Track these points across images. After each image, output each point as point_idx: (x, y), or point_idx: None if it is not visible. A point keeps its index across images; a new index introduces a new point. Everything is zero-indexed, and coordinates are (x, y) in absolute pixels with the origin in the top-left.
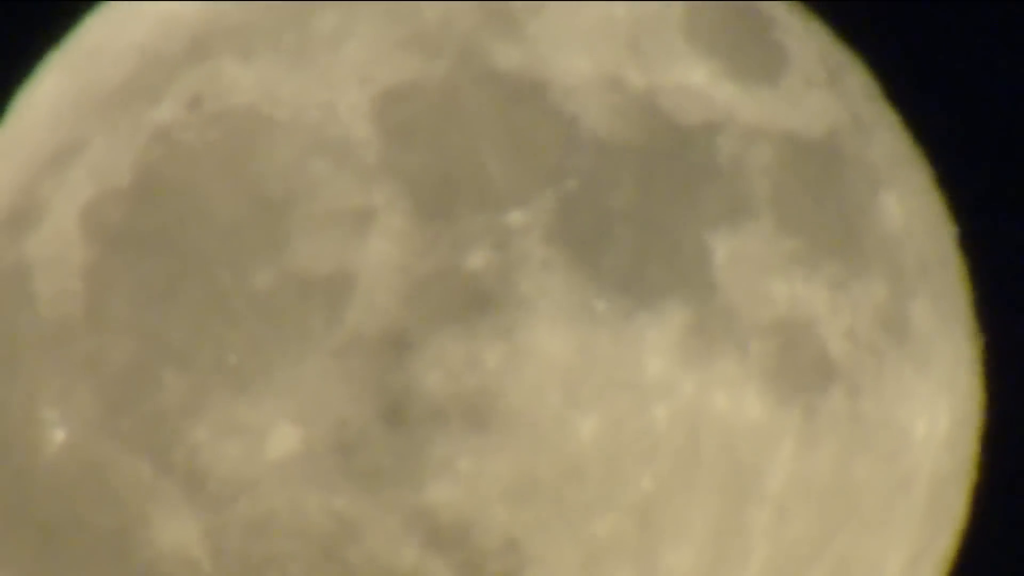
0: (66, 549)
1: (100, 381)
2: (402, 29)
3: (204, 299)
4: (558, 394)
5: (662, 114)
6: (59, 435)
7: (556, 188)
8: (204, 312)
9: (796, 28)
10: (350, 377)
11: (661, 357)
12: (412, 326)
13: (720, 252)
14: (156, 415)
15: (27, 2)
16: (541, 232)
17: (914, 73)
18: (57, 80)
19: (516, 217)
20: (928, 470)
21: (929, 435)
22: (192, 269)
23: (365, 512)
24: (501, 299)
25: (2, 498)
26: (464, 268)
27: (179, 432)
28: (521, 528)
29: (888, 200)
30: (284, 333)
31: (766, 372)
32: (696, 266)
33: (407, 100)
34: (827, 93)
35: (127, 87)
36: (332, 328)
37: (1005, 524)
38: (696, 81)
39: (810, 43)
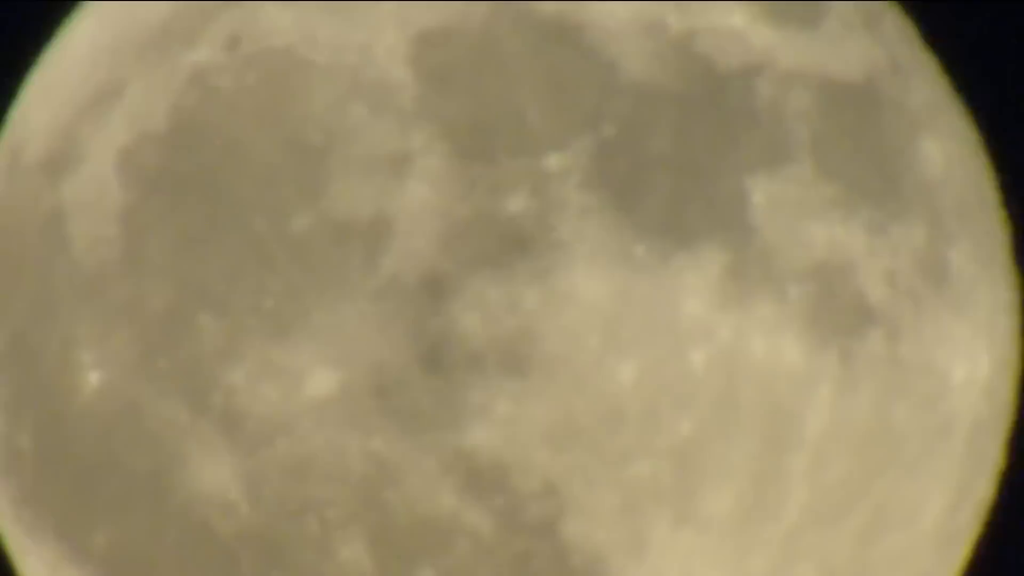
0: (103, 490)
1: (136, 325)
2: None
3: (241, 244)
4: (596, 338)
5: (700, 59)
6: (95, 378)
7: (594, 133)
8: (241, 256)
9: None
10: (387, 321)
11: (699, 301)
12: (450, 270)
13: (758, 196)
14: (193, 358)
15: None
16: (579, 176)
17: (951, 17)
18: (94, 23)
19: (554, 161)
20: (967, 414)
21: (967, 379)
22: (229, 213)
23: (403, 455)
24: (539, 243)
25: (40, 440)
26: (502, 212)
27: (216, 375)
28: (560, 472)
29: (927, 145)
30: (321, 277)
31: (804, 316)
32: (734, 210)
33: (444, 44)
34: (865, 38)
35: (164, 29)
36: (369, 272)
37: None
38: (735, 25)
39: None
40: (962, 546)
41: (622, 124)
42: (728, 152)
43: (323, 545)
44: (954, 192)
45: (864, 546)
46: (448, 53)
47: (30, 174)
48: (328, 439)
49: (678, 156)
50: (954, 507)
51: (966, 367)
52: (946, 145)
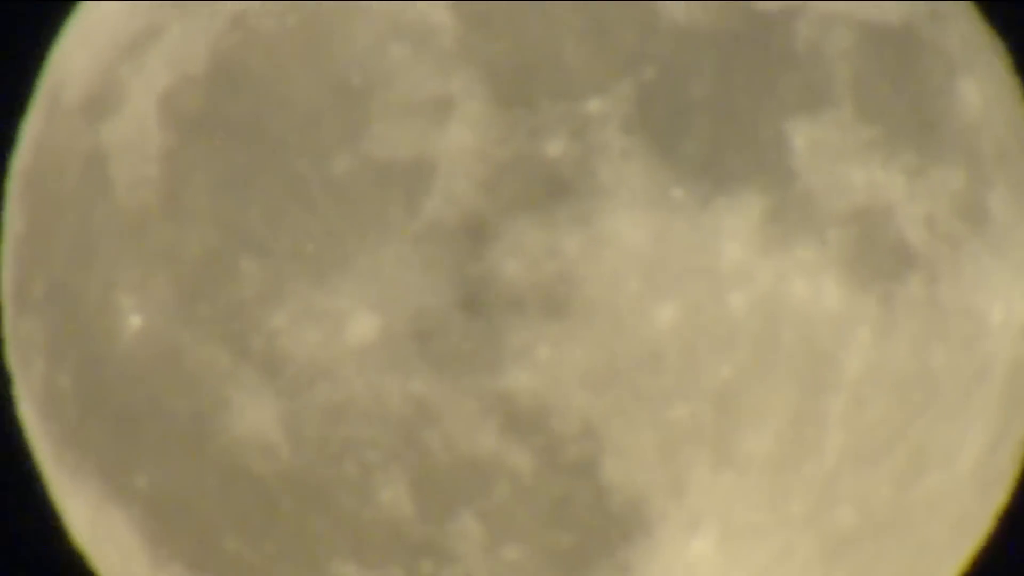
0: (144, 433)
1: (177, 268)
2: None
3: (282, 187)
4: (636, 281)
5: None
6: (136, 321)
7: (635, 76)
8: (282, 200)
9: None
10: (428, 265)
11: (739, 244)
12: (490, 214)
13: (798, 139)
14: (234, 302)
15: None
16: (619, 120)
17: None
18: None
19: (595, 105)
20: (1005, 356)
21: (1006, 322)
22: (270, 156)
23: (443, 396)
24: (579, 187)
25: (81, 383)
26: (543, 156)
27: (257, 319)
28: (599, 414)
29: (966, 87)
30: (362, 221)
31: (844, 259)
32: (774, 154)
33: None
34: None
35: None
36: (411, 216)
37: None
38: None
39: None
40: (1001, 487)
41: (662, 67)
42: (768, 95)
43: (363, 487)
44: (993, 135)
45: (903, 488)
46: None
47: (70, 117)
48: (368, 382)
49: (718, 99)
50: (993, 448)
51: (1004, 309)
52: (985, 88)
